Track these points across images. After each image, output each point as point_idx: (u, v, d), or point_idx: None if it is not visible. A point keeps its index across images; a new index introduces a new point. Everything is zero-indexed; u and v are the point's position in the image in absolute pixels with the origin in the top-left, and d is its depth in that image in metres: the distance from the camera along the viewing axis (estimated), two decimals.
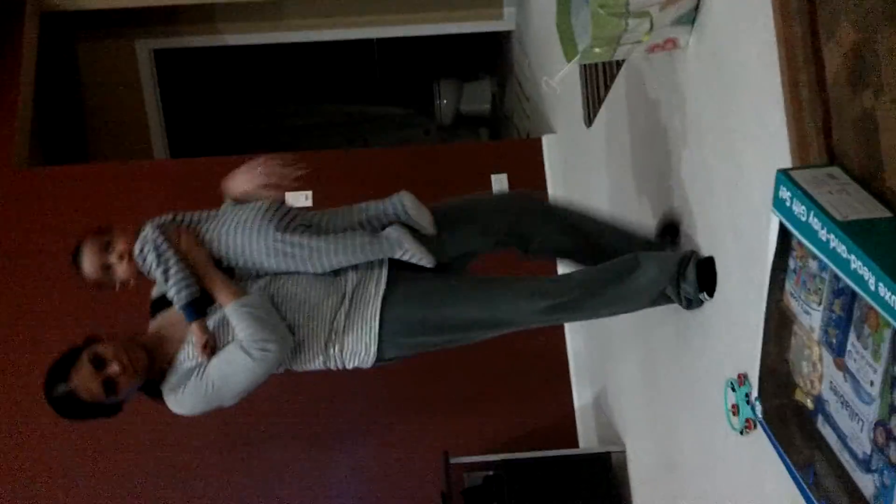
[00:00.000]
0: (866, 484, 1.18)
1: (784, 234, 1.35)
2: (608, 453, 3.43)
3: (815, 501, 1.32)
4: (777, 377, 1.45)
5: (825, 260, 1.21)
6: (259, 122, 6.92)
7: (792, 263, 1.36)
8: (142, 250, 2.17)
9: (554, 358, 4.02)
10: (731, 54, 1.97)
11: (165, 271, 2.13)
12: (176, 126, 5.75)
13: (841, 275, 1.17)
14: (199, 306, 2.13)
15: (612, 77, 3.06)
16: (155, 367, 2.17)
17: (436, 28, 5.31)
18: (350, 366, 2.22)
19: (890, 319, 1.06)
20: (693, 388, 2.43)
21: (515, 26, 5.23)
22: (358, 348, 2.17)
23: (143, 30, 5.29)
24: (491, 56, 6.30)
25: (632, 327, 3.03)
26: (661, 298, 2.23)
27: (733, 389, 2.04)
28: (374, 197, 2.32)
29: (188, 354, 2.13)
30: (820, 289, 1.27)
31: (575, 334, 4.01)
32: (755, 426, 1.95)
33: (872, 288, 1.09)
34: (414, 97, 6.82)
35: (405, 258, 2.19)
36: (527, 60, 5.05)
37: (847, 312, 1.20)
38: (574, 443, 3.93)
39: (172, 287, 2.12)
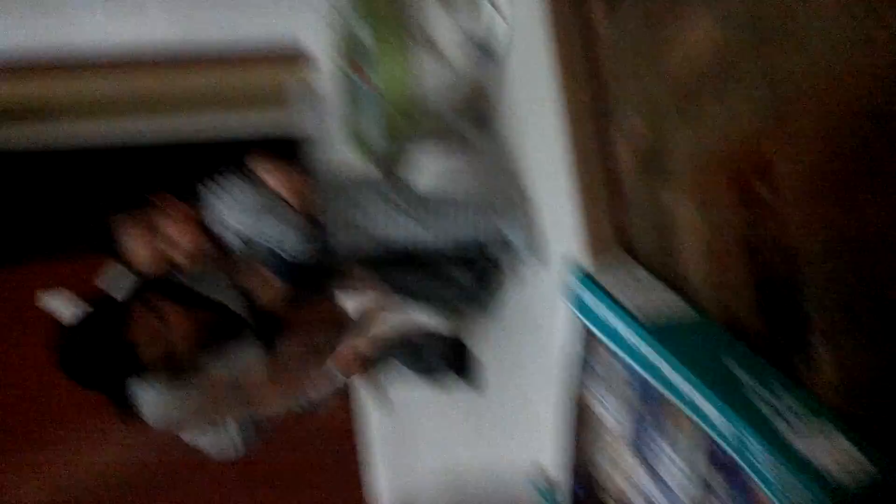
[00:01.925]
0: None
1: (585, 332, 1.33)
2: None
3: None
4: (580, 476, 1.41)
5: (626, 359, 1.19)
6: (27, 231, 6.40)
7: (591, 359, 1.34)
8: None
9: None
10: (524, 153, 2.00)
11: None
12: None
13: (644, 374, 1.15)
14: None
15: None
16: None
17: (225, 132, 5.17)
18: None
19: (696, 418, 1.04)
20: (499, 489, 2.37)
21: (309, 129, 5.21)
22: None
23: None
24: (286, 159, 6.25)
25: (432, 429, 2.96)
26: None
27: (538, 491, 2.00)
28: None
29: None
30: (619, 386, 1.25)
31: (378, 457, 3.88)
32: None
33: (675, 386, 1.07)
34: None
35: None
36: (323, 161, 5.03)
37: (650, 410, 1.18)
38: None
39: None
